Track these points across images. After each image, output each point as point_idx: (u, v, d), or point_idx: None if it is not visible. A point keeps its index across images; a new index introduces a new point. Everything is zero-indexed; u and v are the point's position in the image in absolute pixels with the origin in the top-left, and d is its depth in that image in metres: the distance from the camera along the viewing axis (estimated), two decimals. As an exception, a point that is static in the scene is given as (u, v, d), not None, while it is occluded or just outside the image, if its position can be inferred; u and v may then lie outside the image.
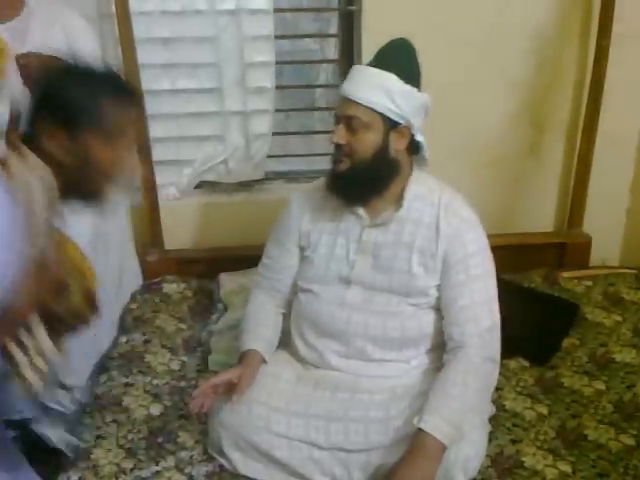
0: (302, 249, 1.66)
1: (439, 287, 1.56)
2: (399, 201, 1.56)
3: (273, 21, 2.29)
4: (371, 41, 2.27)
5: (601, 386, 1.86)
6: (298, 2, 2.48)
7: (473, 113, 2.43)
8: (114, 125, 1.20)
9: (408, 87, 1.50)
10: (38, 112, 1.20)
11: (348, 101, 1.49)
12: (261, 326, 1.67)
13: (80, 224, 1.90)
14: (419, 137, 1.56)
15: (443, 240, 1.54)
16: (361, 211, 1.57)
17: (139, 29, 2.16)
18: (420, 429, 1.38)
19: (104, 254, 2.08)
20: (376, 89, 1.47)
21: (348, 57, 2.42)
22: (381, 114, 1.48)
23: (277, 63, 2.34)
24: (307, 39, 2.53)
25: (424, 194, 1.57)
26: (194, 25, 2.27)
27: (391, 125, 1.50)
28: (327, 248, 1.61)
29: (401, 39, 1.56)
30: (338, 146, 1.52)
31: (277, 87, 2.37)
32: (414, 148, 1.58)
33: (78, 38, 1.94)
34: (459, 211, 1.57)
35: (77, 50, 1.85)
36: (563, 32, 2.40)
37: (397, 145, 1.52)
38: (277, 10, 2.30)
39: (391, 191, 1.56)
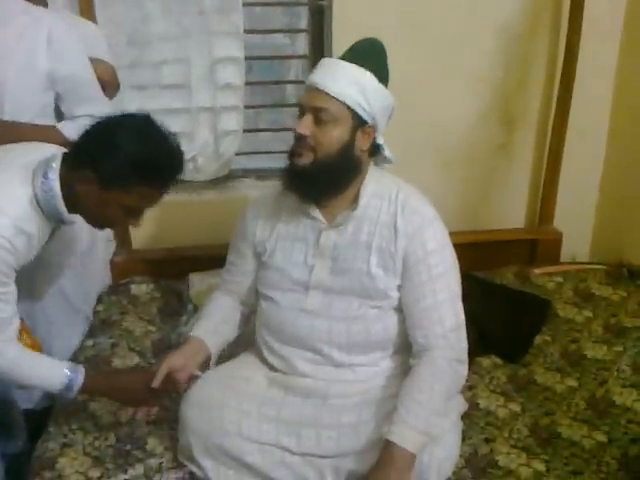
0: (259, 255, 1.62)
1: (400, 287, 1.52)
2: (355, 200, 1.52)
3: (242, 15, 2.24)
4: (341, 36, 2.24)
5: (573, 383, 1.87)
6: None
7: (442, 110, 2.43)
8: (144, 202, 1.41)
9: (381, 86, 1.47)
10: (88, 153, 1.36)
11: (318, 92, 1.44)
12: (210, 317, 1.65)
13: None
14: (380, 139, 1.53)
15: (402, 239, 1.49)
16: (317, 214, 1.53)
17: (106, 29, 2.11)
18: (389, 440, 1.35)
19: (93, 252, 2.07)
20: (350, 83, 1.43)
21: (318, 52, 2.38)
22: (351, 110, 1.44)
23: (246, 59, 2.30)
24: (277, 34, 2.48)
25: (381, 192, 1.53)
26: (161, 22, 2.21)
27: (359, 123, 1.46)
28: (284, 254, 1.57)
29: (374, 39, 1.52)
30: (301, 138, 1.45)
31: (247, 83, 2.33)
32: (374, 150, 1.54)
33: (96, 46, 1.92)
34: (417, 208, 1.52)
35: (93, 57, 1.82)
36: (532, 29, 2.41)
37: (361, 144, 1.48)
38: (246, 4, 2.26)
39: (348, 191, 1.52)
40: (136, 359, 1.93)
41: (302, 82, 2.45)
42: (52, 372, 1.47)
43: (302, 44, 2.46)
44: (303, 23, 2.42)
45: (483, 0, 2.33)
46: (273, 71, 2.51)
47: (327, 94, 1.43)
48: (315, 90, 1.45)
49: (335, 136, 1.44)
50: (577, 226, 2.62)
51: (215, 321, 1.65)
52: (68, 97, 1.77)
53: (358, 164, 1.50)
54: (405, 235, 1.49)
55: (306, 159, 1.46)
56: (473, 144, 2.53)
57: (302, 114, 1.47)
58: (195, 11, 2.19)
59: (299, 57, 2.47)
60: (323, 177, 1.47)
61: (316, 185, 1.48)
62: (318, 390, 1.53)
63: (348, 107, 1.43)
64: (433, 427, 1.40)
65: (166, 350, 1.97)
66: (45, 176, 1.38)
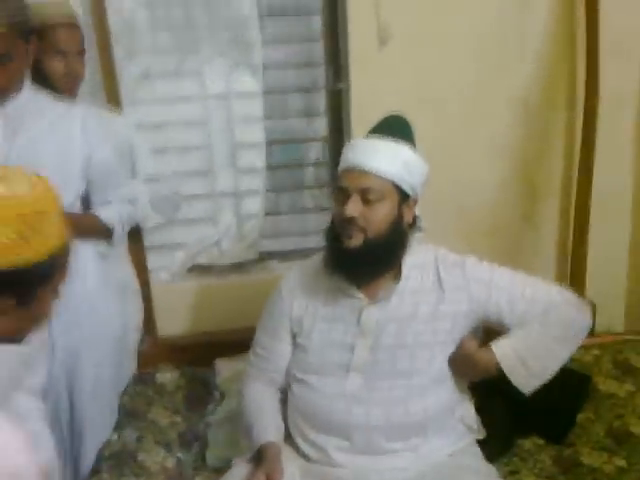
0: (294, 336, 1.57)
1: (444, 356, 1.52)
2: (397, 274, 1.51)
3: (262, 101, 2.30)
4: (360, 118, 2.29)
5: (622, 463, 1.77)
6: (285, 81, 2.49)
7: (464, 183, 2.43)
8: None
9: (419, 157, 1.49)
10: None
11: (362, 172, 1.43)
12: (267, 415, 1.56)
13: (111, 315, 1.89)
14: (417, 210, 1.54)
15: (450, 294, 1.51)
16: (357, 292, 1.50)
17: (129, 116, 2.17)
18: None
19: (125, 341, 2.04)
20: (393, 160, 1.44)
21: (338, 134, 2.43)
22: (396, 185, 1.44)
23: (267, 143, 2.34)
24: (296, 118, 2.54)
25: (418, 261, 1.53)
26: (184, 109, 2.28)
27: (403, 197, 1.47)
28: (322, 335, 1.52)
29: (397, 114, 1.55)
30: (351, 220, 1.44)
31: (267, 167, 2.37)
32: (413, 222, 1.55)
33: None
34: (455, 260, 1.56)
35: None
36: (549, 98, 2.42)
37: (407, 218, 1.49)
38: (265, 91, 2.32)
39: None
40: (162, 453, 1.86)
41: (322, 164, 2.49)
42: None
43: (321, 126, 2.50)
44: (321, 106, 2.48)
45: (497, 73, 2.36)
46: (293, 154, 2.54)
47: (372, 173, 1.43)
48: (358, 171, 1.44)
49: (384, 213, 1.44)
50: (610, 295, 2.55)
51: (277, 421, 1.56)
52: (102, 182, 1.83)
53: (406, 239, 1.51)
54: (456, 289, 1.51)
55: (357, 240, 1.45)
56: (497, 215, 2.51)
57: (347, 197, 1.45)
58: (217, 96, 2.27)
59: (319, 140, 2.51)
60: (375, 256, 1.45)
61: (368, 265, 1.47)
62: None
63: (393, 183, 1.44)
64: (532, 358, 1.46)
65: (192, 442, 1.91)
66: None
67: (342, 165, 1.51)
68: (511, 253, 2.56)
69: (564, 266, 2.57)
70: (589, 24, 2.29)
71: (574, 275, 2.51)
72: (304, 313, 1.56)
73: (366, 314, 1.50)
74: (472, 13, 2.29)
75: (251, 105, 2.31)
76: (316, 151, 2.51)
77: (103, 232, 1.84)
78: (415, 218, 1.55)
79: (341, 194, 1.47)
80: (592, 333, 2.46)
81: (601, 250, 2.50)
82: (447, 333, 1.51)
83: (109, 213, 1.84)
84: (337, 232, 1.48)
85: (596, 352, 2.28)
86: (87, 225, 1.78)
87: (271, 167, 2.40)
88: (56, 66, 1.82)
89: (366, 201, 1.43)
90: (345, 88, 2.37)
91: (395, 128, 1.51)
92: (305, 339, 1.54)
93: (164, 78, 2.25)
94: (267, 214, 2.42)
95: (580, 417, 1.96)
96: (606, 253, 2.52)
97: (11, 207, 0.86)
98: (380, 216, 1.44)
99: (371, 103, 2.28)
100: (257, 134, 2.33)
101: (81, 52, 1.88)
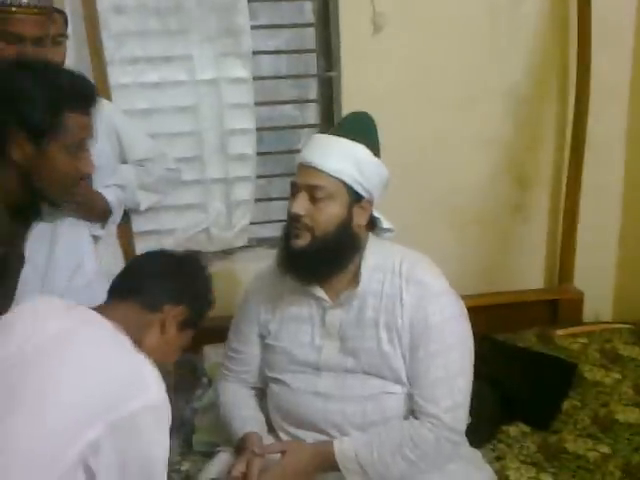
0: (262, 337, 1.56)
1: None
2: (357, 276, 1.45)
3: (253, 88, 2.29)
4: (350, 105, 2.27)
5: (606, 450, 1.79)
6: (277, 68, 2.49)
7: (455, 173, 2.43)
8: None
9: (376, 160, 1.44)
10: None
11: (312, 170, 1.39)
12: (245, 409, 1.56)
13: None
14: (376, 213, 1.49)
15: (407, 312, 1.42)
16: (321, 293, 1.47)
17: (118, 101, 2.17)
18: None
19: None
20: (344, 159, 1.39)
21: (328, 121, 2.43)
22: (347, 185, 1.39)
23: (258, 130, 2.34)
24: (287, 105, 2.53)
25: (383, 264, 1.46)
26: (173, 95, 2.27)
27: (355, 198, 1.41)
28: (290, 336, 1.51)
29: (363, 112, 1.50)
30: (296, 218, 1.40)
31: (258, 153, 2.36)
32: (371, 224, 1.49)
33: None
34: (422, 279, 1.44)
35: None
36: (540, 91, 2.43)
37: (359, 220, 1.43)
38: (256, 78, 2.31)
39: (349, 268, 1.46)
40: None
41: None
42: None
43: (312, 114, 2.50)
44: (312, 94, 2.47)
45: (489, 65, 2.36)
46: (284, 141, 2.54)
47: (321, 171, 1.38)
48: (309, 168, 1.40)
49: (332, 213, 1.39)
50: (598, 284, 2.57)
51: (255, 414, 1.55)
52: (102, 172, 1.82)
53: (356, 240, 1.44)
54: (409, 307, 1.42)
55: (303, 240, 1.40)
56: (488, 205, 2.52)
57: (295, 193, 1.41)
58: (207, 82, 2.26)
59: (309, 126, 2.51)
60: (322, 257, 1.41)
61: (316, 266, 1.42)
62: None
63: (344, 183, 1.39)
64: (374, 472, 1.36)
65: (180, 428, 1.91)
66: None
67: (298, 160, 1.47)
68: (501, 242, 2.57)
69: (553, 255, 2.58)
70: (581, 15, 2.30)
71: (563, 264, 2.53)
72: (271, 316, 1.54)
73: (330, 316, 1.48)
74: (464, 3, 2.29)
75: (241, 91, 2.29)
76: (307, 138, 2.50)
77: (106, 213, 1.85)
78: (375, 220, 1.50)
79: (292, 190, 1.44)
80: (580, 322, 2.51)
81: (590, 240, 2.52)
82: (403, 346, 1.43)
83: (110, 195, 1.85)
84: (288, 232, 1.45)
85: (583, 340, 2.30)
86: (100, 204, 1.79)
87: (262, 154, 2.39)
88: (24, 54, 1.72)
89: (314, 199, 1.39)
90: (336, 75, 2.36)
91: (355, 127, 1.46)
92: (273, 340, 1.54)
93: (153, 63, 2.23)
94: (257, 200, 2.42)
95: (566, 404, 1.97)
96: (595, 243, 2.54)
97: None
98: (326, 216, 1.38)
99: (362, 91, 2.28)
100: (247, 121, 2.32)
101: (56, 40, 1.74)
